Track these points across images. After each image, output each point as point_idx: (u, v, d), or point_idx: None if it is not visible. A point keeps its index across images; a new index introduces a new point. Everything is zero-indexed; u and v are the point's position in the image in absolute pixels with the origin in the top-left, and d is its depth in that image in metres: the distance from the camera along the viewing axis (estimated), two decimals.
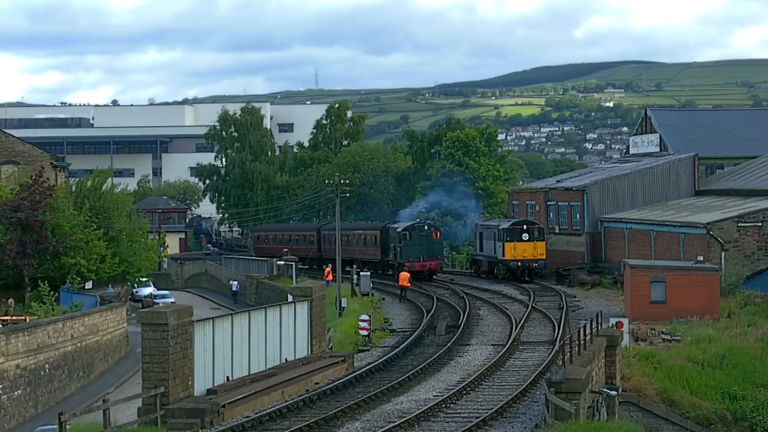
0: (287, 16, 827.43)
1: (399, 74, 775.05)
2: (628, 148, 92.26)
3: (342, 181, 73.65)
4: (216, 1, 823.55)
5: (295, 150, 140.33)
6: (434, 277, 74.94)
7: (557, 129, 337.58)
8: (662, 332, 46.42)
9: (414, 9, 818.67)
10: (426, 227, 75.72)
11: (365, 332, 48.58)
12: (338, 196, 70.20)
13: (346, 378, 37.64)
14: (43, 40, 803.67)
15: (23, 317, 57.00)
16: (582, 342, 33.57)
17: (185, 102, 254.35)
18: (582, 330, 35.01)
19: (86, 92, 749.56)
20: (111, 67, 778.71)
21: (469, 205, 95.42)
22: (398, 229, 75.95)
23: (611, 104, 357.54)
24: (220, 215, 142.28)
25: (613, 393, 32.43)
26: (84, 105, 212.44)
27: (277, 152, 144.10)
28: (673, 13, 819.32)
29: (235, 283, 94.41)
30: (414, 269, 72.21)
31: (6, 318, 57.49)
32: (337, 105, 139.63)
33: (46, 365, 47.38)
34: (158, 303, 72.00)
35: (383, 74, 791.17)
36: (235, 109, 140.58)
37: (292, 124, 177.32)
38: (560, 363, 29.01)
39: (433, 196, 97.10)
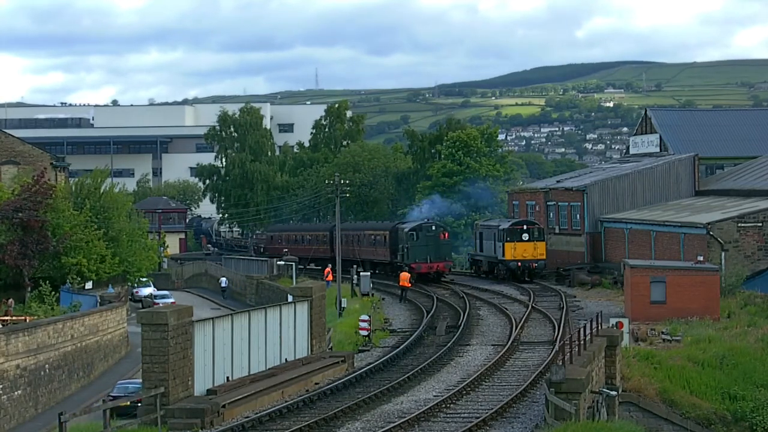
0: (289, 16, 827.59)
1: (399, 74, 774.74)
2: (628, 148, 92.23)
3: (342, 182, 73.58)
4: (218, 1, 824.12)
5: (295, 150, 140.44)
6: (442, 279, 73.54)
7: (557, 129, 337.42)
8: (662, 332, 46.43)
9: (415, 9, 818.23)
10: (434, 227, 74.30)
11: (365, 332, 48.59)
12: (338, 196, 70.20)
13: (346, 378, 37.65)
14: (46, 40, 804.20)
15: (23, 317, 56.95)
16: (582, 342, 33.59)
17: (185, 102, 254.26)
18: (582, 330, 35.03)
19: (88, 92, 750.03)
20: (112, 68, 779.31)
21: (489, 206, 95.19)
22: (405, 230, 74.79)
23: (611, 104, 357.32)
24: (220, 215, 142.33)
25: (613, 393, 32.47)
26: (84, 105, 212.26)
27: (277, 152, 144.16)
28: (674, 13, 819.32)
29: (224, 279, 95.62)
30: (421, 270, 71.58)
31: (6, 318, 57.43)
32: (336, 105, 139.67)
33: (46, 365, 47.37)
34: (158, 303, 72.04)
35: (384, 74, 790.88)
36: (234, 109, 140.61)
37: (292, 125, 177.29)
38: (560, 363, 29.03)
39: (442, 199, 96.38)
